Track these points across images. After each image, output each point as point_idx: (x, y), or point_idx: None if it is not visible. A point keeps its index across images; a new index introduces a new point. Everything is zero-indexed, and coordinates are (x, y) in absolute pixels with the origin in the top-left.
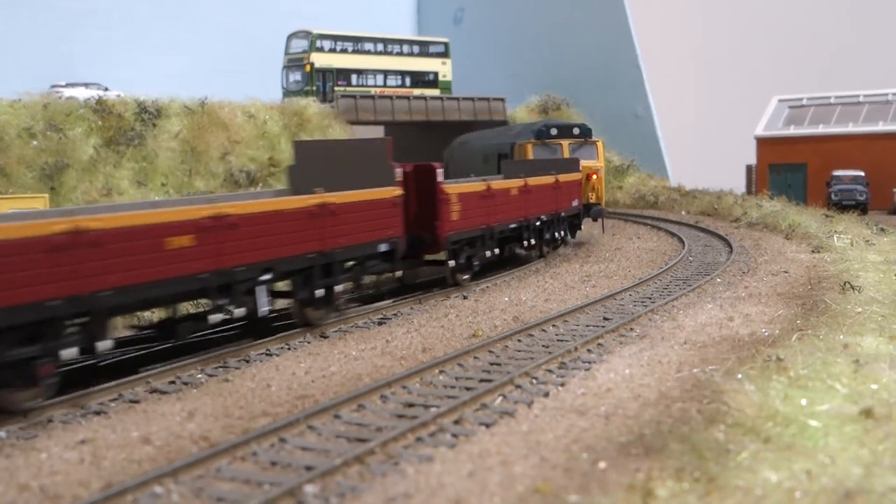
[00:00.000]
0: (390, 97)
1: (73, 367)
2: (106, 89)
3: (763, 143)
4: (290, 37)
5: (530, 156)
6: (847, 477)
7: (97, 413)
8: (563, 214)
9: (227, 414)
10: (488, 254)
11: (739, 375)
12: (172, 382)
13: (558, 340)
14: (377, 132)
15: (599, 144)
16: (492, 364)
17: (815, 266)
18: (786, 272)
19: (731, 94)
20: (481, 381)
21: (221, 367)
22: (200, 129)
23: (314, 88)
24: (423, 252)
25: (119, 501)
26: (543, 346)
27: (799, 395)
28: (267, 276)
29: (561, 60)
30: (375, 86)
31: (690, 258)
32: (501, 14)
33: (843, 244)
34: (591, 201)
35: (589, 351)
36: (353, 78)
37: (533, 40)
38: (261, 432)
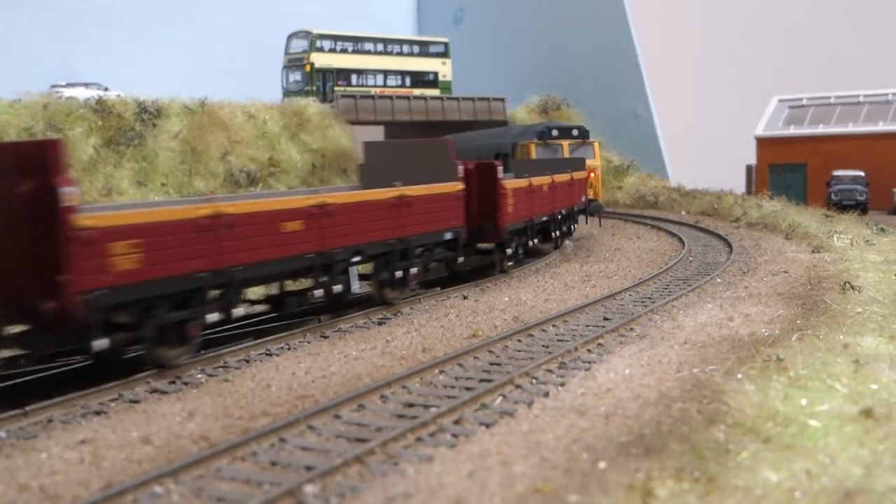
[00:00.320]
0: (390, 97)
1: (74, 367)
2: (106, 89)
3: (763, 143)
4: (290, 37)
5: (533, 155)
6: (847, 477)
7: (97, 413)
8: (575, 209)
9: (227, 414)
10: (530, 243)
11: (739, 375)
12: (172, 382)
13: (558, 340)
14: (377, 132)
15: (596, 145)
16: (492, 364)
17: (815, 266)
18: (786, 272)
19: (731, 94)
20: (481, 381)
21: (221, 367)
22: (200, 129)
23: (314, 88)
24: (479, 242)
25: (119, 501)
26: (543, 346)
27: (799, 395)
28: (357, 259)
29: (561, 60)
30: (375, 86)
31: (690, 258)
32: (501, 14)
33: (843, 244)
34: (590, 198)
35: (589, 351)
36: (353, 78)
37: (533, 40)
38: (261, 432)
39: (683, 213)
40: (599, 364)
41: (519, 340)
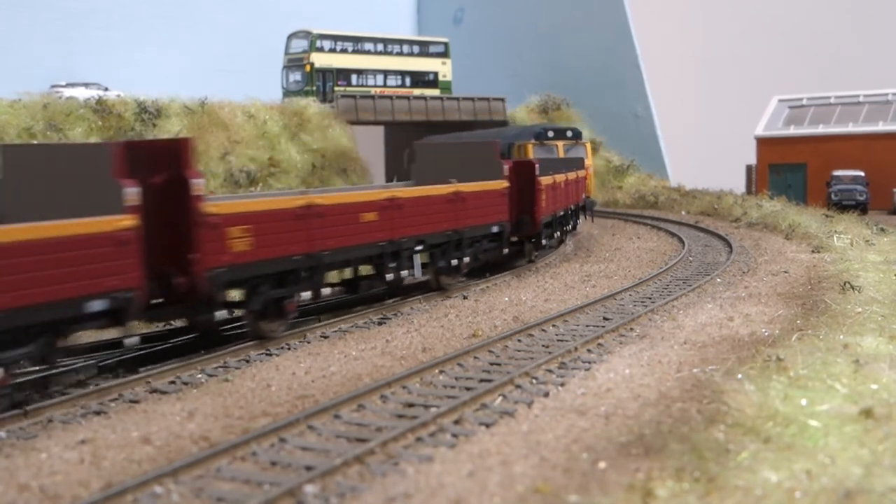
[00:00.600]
0: (390, 97)
1: (74, 367)
2: (106, 89)
3: (763, 143)
4: (290, 37)
5: (531, 155)
6: (847, 477)
7: (97, 413)
8: (580, 204)
9: (227, 414)
10: (555, 235)
11: (739, 375)
12: (172, 382)
13: (558, 340)
14: (377, 132)
15: (588, 145)
16: (492, 364)
17: (815, 266)
18: (786, 272)
19: (731, 94)
20: (481, 381)
21: (221, 367)
22: (200, 129)
23: (314, 88)
24: (518, 234)
25: (119, 501)
26: (543, 345)
27: (799, 395)
28: (420, 247)
29: (561, 60)
30: (375, 86)
31: (690, 258)
32: (501, 14)
33: (843, 244)
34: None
35: (589, 351)
36: (353, 78)
37: (533, 40)
38: (261, 432)
39: (683, 213)
40: (599, 364)
41: (519, 340)
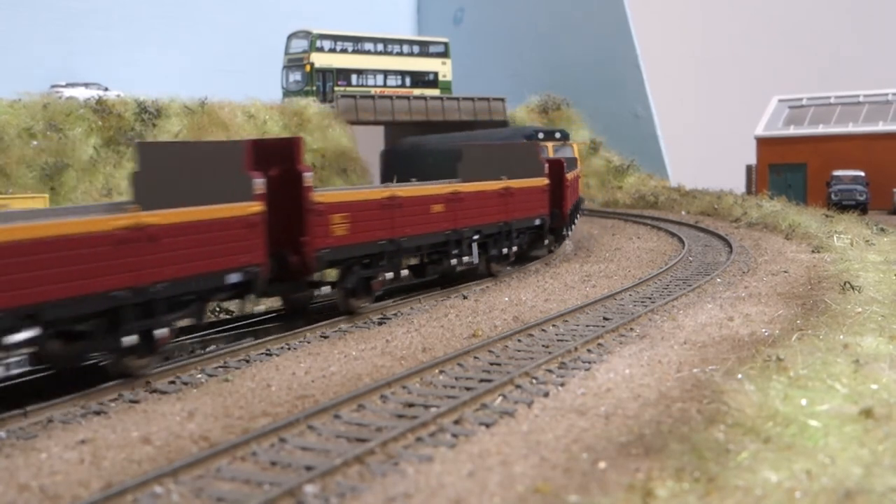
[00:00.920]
0: (390, 97)
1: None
2: (106, 89)
3: (763, 143)
4: (290, 37)
5: None
6: (847, 477)
7: (97, 413)
8: (581, 200)
9: (227, 414)
10: (572, 226)
11: (739, 375)
12: (172, 382)
13: (558, 340)
14: (377, 132)
15: (575, 146)
16: (492, 364)
17: (815, 266)
18: (786, 272)
19: (731, 94)
20: (481, 381)
21: (221, 367)
22: (200, 129)
23: (314, 88)
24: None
25: (119, 501)
26: (543, 345)
27: (799, 395)
28: (477, 237)
29: (561, 60)
30: (375, 86)
31: (690, 258)
32: (501, 14)
33: (843, 244)
34: None
35: (589, 351)
36: (353, 78)
37: (533, 40)
38: (261, 432)
39: (683, 213)
40: (599, 364)
41: (519, 340)
